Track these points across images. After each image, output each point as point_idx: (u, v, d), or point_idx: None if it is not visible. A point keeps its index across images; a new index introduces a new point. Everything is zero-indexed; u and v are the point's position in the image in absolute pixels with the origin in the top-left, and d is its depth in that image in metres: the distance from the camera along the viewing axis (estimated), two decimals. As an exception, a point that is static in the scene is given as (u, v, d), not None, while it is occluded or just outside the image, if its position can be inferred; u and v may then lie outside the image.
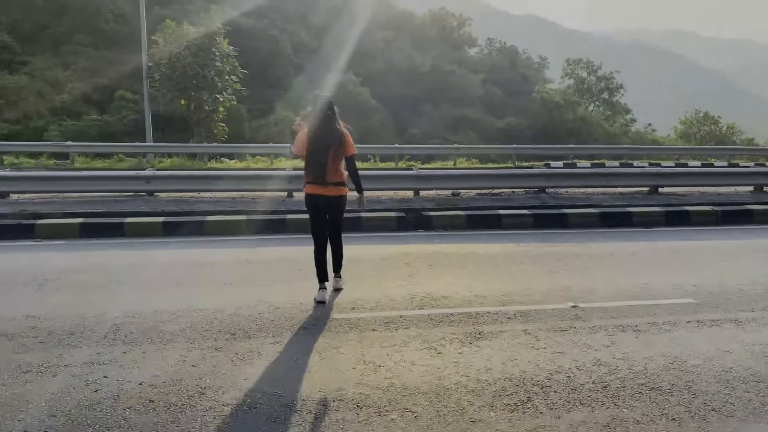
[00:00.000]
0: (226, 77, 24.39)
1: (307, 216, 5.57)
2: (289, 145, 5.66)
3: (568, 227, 9.46)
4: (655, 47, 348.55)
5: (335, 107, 5.42)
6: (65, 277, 6.06)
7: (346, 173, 5.48)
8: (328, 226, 5.49)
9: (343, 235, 5.68)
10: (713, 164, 21.38)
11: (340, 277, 5.67)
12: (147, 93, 23.26)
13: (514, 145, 25.53)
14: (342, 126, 5.38)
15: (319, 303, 5.16)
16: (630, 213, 9.88)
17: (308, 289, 5.46)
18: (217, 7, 32.05)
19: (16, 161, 20.30)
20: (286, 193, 11.29)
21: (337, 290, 5.56)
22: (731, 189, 12.95)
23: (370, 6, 71.93)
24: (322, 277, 5.36)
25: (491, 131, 51.74)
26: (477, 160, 24.00)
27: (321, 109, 5.33)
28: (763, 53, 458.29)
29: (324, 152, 5.22)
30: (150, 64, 23.37)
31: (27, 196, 10.82)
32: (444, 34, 74.56)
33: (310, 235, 5.47)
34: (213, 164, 20.58)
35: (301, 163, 5.41)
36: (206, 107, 23.99)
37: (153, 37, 23.91)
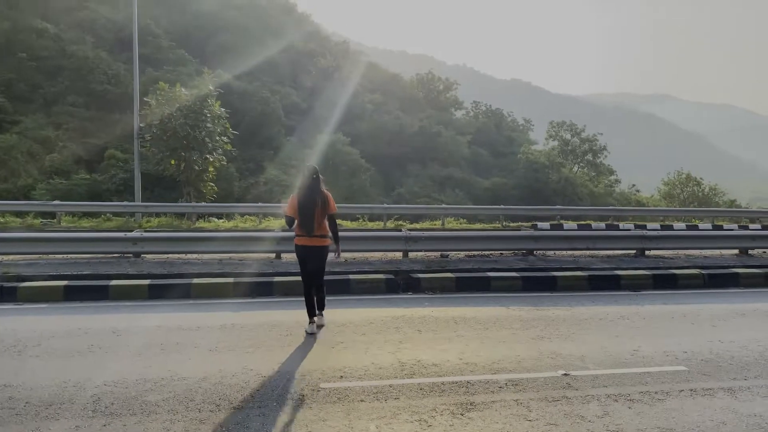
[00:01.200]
0: (217, 138, 24.65)
1: (294, 278, 6.96)
2: (281, 205, 6.95)
3: (557, 290, 9.46)
4: (637, 110, 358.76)
5: (319, 174, 6.60)
6: (46, 343, 5.91)
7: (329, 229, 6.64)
8: (312, 275, 6.60)
9: (332, 298, 6.48)
10: (698, 226, 21.64)
11: (321, 315, 6.80)
12: (137, 153, 23.40)
13: (502, 206, 25.77)
14: (325, 189, 6.57)
15: (309, 335, 6.31)
16: (618, 276, 9.91)
17: (294, 355, 5.36)
18: (210, 69, 32.74)
19: (2, 220, 20.12)
20: (274, 255, 11.23)
21: (319, 326, 6.61)
22: (717, 252, 13.07)
23: (359, 69, 73.94)
24: (311, 312, 6.57)
25: (478, 190, 52.38)
26: (465, 221, 24.13)
27: (307, 176, 6.52)
28: (742, 116, 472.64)
29: (311, 211, 6.41)
30: (142, 125, 23.62)
31: (11, 257, 10.68)
32: (431, 97, 76.50)
33: (298, 298, 6.36)
34: (201, 224, 20.51)
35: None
36: (196, 167, 24.14)
37: (145, 99, 24.26)
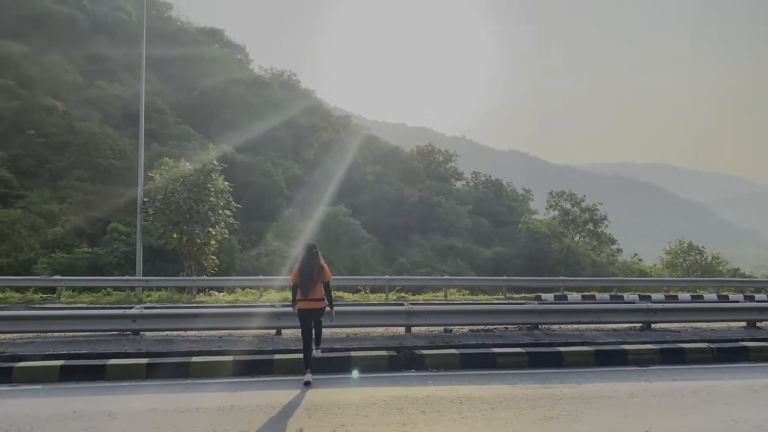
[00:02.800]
0: (220, 211, 24.84)
1: (295, 356, 8.30)
2: (278, 277, 7.95)
3: (564, 366, 9.24)
4: (635, 179, 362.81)
5: (317, 249, 8.31)
6: (40, 427, 5.74)
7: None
8: (311, 330, 8.06)
9: (334, 377, 7.91)
10: (703, 296, 21.43)
11: (319, 349, 8.21)
12: (140, 226, 23.52)
13: (505, 277, 25.62)
14: (322, 261, 8.15)
15: (306, 384, 7.59)
16: (625, 351, 9.71)
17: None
18: (215, 144, 33.42)
19: (1, 295, 20.00)
20: (274, 331, 11.06)
21: (315, 358, 8.03)
22: (724, 324, 12.88)
23: (360, 142, 75.45)
24: (308, 363, 7.90)
25: (480, 260, 52.26)
26: (468, 292, 23.94)
27: (307, 251, 8.21)
28: (739, 184, 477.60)
29: (310, 279, 7.98)
30: (145, 199, 23.86)
31: (8, 336, 10.52)
32: (431, 168, 77.60)
33: (298, 377, 7.77)
34: (202, 297, 20.36)
35: (289, 297, 8.98)
36: (198, 240, 24.20)
37: (150, 174, 24.62)
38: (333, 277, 8.70)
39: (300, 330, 8.16)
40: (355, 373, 8.51)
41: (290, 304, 8.42)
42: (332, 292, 8.40)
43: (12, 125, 40.32)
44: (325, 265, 8.08)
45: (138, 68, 26.57)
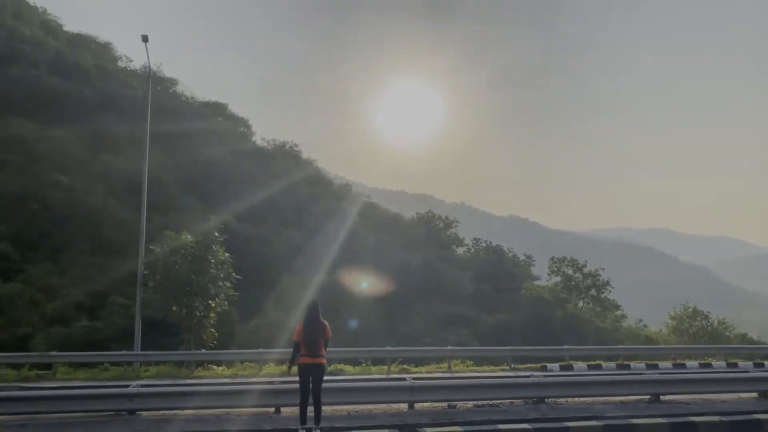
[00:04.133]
0: (220, 283, 24.74)
1: None
2: (275, 350, 9.01)
3: (572, 443, 8.96)
4: (635, 244, 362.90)
5: (319, 306, 8.75)
6: None
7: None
8: (310, 385, 8.41)
9: None
10: (711, 364, 20.99)
11: (319, 429, 8.35)
12: (140, 300, 23.36)
13: (509, 347, 25.13)
14: (322, 319, 8.63)
15: None
16: (634, 426, 9.44)
17: None
18: (217, 215, 33.66)
19: (-4, 372, 19.60)
20: (273, 409, 10.79)
21: None
22: (734, 395, 12.56)
23: (360, 209, 76.02)
24: (303, 420, 8.37)
25: (483, 328, 51.52)
26: (472, 362, 23.47)
27: (310, 309, 8.64)
28: (740, 247, 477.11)
29: (314, 336, 8.40)
30: (145, 272, 23.81)
31: (0, 418, 10.26)
32: (432, 235, 77.74)
33: None
34: (200, 372, 19.96)
35: (288, 374, 9.33)
36: (198, 313, 23.97)
37: (151, 247, 24.67)
38: (334, 349, 9.88)
39: (298, 384, 8.57)
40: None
41: (289, 380, 9.47)
42: (334, 365, 9.91)
43: (17, 199, 40.74)
44: (326, 323, 8.64)
45: (142, 142, 27.09)
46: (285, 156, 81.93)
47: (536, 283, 63.92)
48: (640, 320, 60.37)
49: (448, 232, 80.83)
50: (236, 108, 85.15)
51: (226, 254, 25.34)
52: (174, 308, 24.01)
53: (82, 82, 58.83)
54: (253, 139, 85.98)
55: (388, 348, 23.26)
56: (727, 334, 46.49)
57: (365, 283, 50.56)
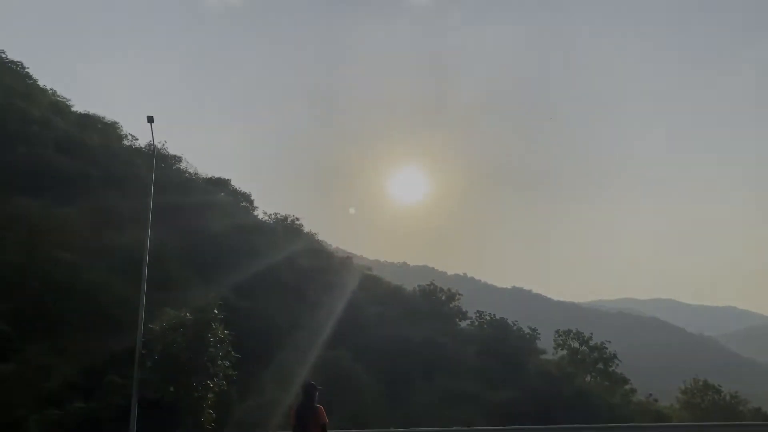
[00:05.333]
0: (219, 362, 24.32)
1: None
2: None
3: None
4: (640, 315, 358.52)
5: (314, 390, 8.51)
6: None
7: None
8: None
9: None
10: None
11: None
12: (136, 380, 22.88)
13: (517, 426, 24.40)
14: (317, 404, 8.41)
15: None
16: None
17: None
18: (217, 290, 33.47)
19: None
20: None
21: None
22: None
23: (361, 282, 75.61)
24: None
25: (489, 405, 50.15)
26: (478, 443, 22.69)
27: (305, 391, 8.53)
28: (747, 317, 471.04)
29: (304, 422, 8.23)
30: (144, 351, 23.45)
31: None
32: (434, 308, 77.01)
33: None
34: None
35: None
36: (195, 394, 23.43)
37: (150, 326, 24.42)
38: (335, 431, 9.77)
39: None
40: None
41: None
42: None
43: (17, 277, 40.61)
44: (320, 408, 8.41)
45: (145, 218, 27.31)
46: (286, 229, 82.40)
47: (542, 357, 62.84)
48: (650, 395, 58.85)
49: (451, 305, 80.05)
50: (239, 182, 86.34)
51: (226, 332, 25.04)
52: (171, 389, 23.49)
53: (88, 161, 59.98)
54: (255, 213, 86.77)
55: (392, 429, 22.55)
56: (741, 408, 45.22)
57: None
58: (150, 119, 25.55)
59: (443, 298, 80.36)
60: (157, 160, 47.50)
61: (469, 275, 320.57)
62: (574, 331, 65.65)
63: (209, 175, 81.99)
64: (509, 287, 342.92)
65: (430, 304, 77.41)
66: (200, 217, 62.78)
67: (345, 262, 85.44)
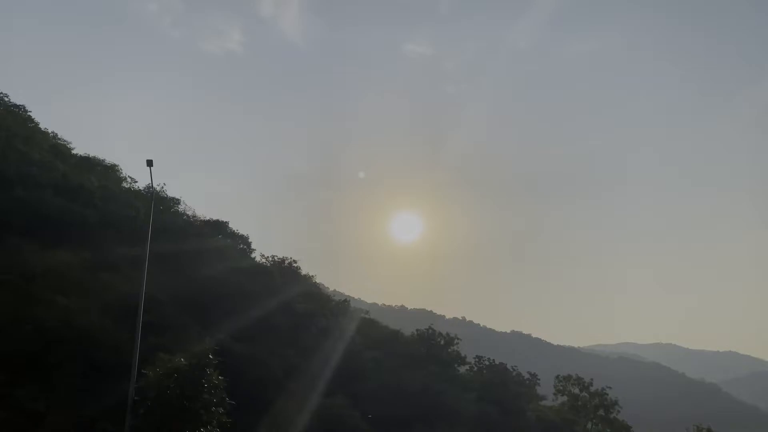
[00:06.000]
0: (213, 409, 23.79)
1: None
2: None
3: None
4: (640, 360, 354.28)
5: None
6: None
7: None
8: None
9: None
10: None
11: None
12: (129, 429, 22.34)
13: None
14: None
15: None
16: None
17: None
18: (213, 334, 33.03)
19: None
20: None
21: None
22: None
23: (358, 326, 74.78)
24: None
25: (490, 454, 49.00)
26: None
27: None
28: (749, 363, 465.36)
29: None
30: (137, 398, 22.98)
31: None
32: (433, 352, 75.99)
33: None
34: None
35: None
36: (189, 441, 22.87)
37: (143, 371, 23.98)
38: None
39: None
40: None
41: None
42: None
43: (10, 320, 40.07)
44: None
45: (142, 261, 27.13)
46: (284, 272, 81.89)
47: (542, 403, 61.71)
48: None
49: (449, 350, 79.04)
50: (237, 224, 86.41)
51: (220, 377, 24.58)
52: (164, 437, 22.93)
53: (86, 204, 59.96)
54: (253, 255, 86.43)
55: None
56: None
57: None
58: (149, 163, 25.70)
59: (442, 342, 79.39)
60: (156, 202, 47.59)
61: (468, 319, 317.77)
62: (575, 376, 64.70)
63: (207, 218, 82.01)
64: (509, 331, 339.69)
65: (429, 349, 76.40)
66: (197, 261, 62.46)
67: (342, 305, 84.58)
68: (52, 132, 74.86)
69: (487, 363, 76.66)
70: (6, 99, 68.53)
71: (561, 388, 64.67)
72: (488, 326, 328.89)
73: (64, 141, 74.58)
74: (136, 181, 75.17)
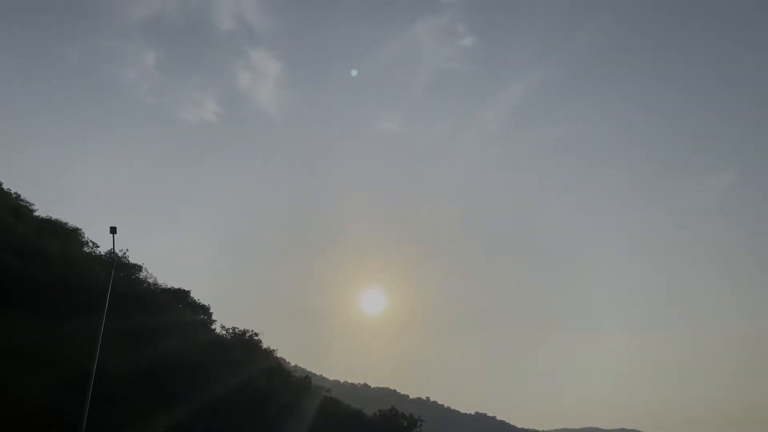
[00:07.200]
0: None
1: None
2: None
3: None
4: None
5: None
6: None
7: None
8: None
9: None
10: None
11: None
12: None
13: None
14: None
15: None
16: None
17: None
18: (169, 409, 31.46)
19: None
20: None
21: None
22: None
23: (319, 405, 72.39)
24: None
25: None
26: None
27: None
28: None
29: None
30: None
31: None
32: (396, 434, 73.77)
33: None
34: None
35: None
36: None
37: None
38: None
39: None
40: None
41: None
42: None
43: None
44: None
45: (97, 329, 25.99)
46: (244, 346, 79.67)
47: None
48: None
49: (413, 431, 76.86)
50: (200, 293, 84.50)
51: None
52: None
53: (43, 268, 58.07)
54: (213, 327, 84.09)
55: None
56: None
57: None
58: (113, 230, 25.17)
59: (405, 423, 77.34)
60: (117, 269, 46.13)
61: (431, 399, 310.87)
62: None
63: (168, 286, 79.99)
64: (473, 413, 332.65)
65: (391, 430, 74.17)
66: (156, 331, 60.38)
67: (303, 382, 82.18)
68: (15, 192, 73.29)
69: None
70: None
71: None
72: (452, 407, 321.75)
73: (27, 202, 72.93)
74: (98, 246, 73.34)
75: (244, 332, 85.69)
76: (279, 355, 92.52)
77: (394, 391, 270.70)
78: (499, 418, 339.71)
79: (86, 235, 74.59)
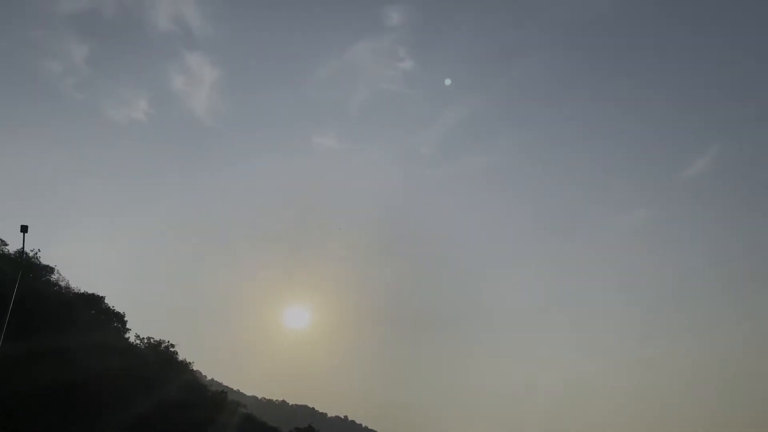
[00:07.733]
0: None
1: None
2: None
3: None
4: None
5: None
6: None
7: None
8: None
9: None
10: None
11: None
12: None
13: None
14: None
15: None
16: None
17: None
18: (79, 425, 29.50)
19: None
20: None
21: None
22: None
23: (236, 422, 70.19)
24: None
25: None
26: None
27: None
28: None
29: None
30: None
31: None
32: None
33: None
34: None
35: None
36: None
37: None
38: None
39: None
40: None
41: None
42: None
43: None
44: None
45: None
46: (159, 356, 76.46)
47: None
48: None
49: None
50: (114, 300, 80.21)
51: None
52: None
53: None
54: (127, 336, 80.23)
55: None
56: None
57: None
58: (24, 229, 23.54)
59: (321, 443, 76.02)
60: (27, 269, 43.23)
61: (350, 418, 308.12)
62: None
63: (81, 290, 75.77)
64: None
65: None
66: (65, 339, 56.89)
67: (219, 397, 79.59)
68: None
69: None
70: None
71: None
72: (371, 427, 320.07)
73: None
74: (6, 244, 68.68)
75: (159, 343, 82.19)
76: (195, 368, 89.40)
77: (313, 409, 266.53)
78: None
79: (-5, 233, 69.87)
